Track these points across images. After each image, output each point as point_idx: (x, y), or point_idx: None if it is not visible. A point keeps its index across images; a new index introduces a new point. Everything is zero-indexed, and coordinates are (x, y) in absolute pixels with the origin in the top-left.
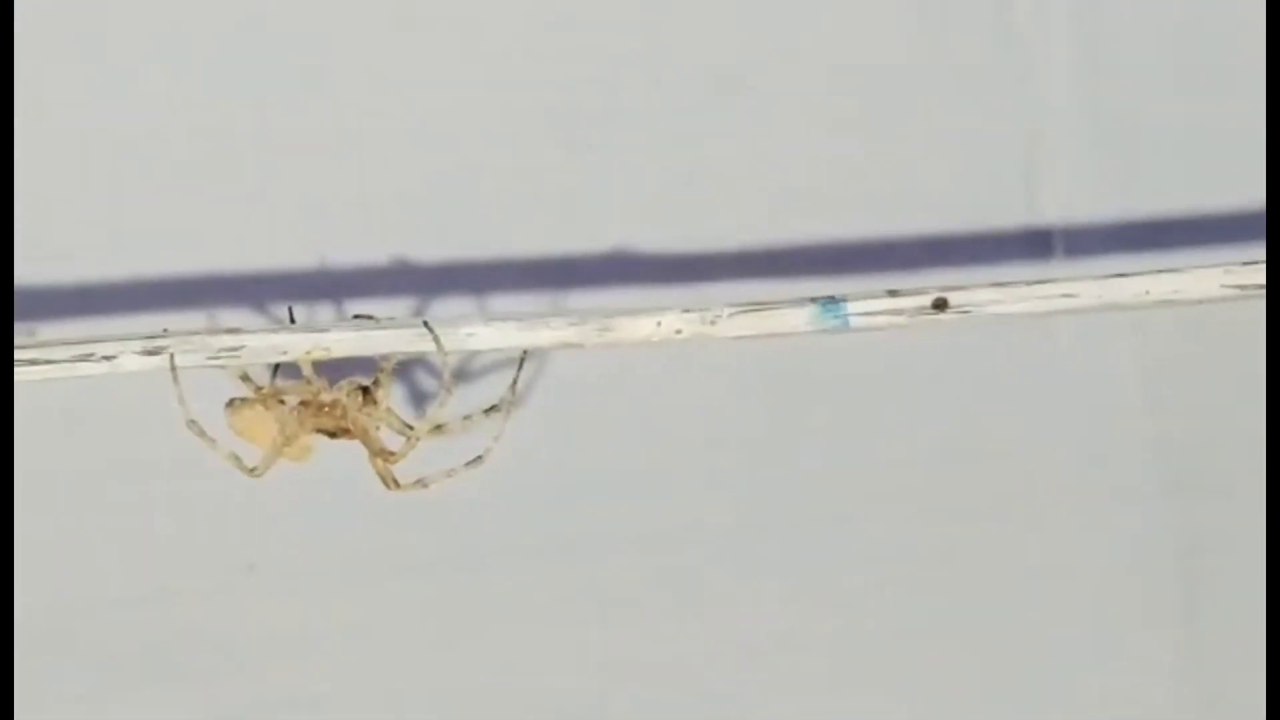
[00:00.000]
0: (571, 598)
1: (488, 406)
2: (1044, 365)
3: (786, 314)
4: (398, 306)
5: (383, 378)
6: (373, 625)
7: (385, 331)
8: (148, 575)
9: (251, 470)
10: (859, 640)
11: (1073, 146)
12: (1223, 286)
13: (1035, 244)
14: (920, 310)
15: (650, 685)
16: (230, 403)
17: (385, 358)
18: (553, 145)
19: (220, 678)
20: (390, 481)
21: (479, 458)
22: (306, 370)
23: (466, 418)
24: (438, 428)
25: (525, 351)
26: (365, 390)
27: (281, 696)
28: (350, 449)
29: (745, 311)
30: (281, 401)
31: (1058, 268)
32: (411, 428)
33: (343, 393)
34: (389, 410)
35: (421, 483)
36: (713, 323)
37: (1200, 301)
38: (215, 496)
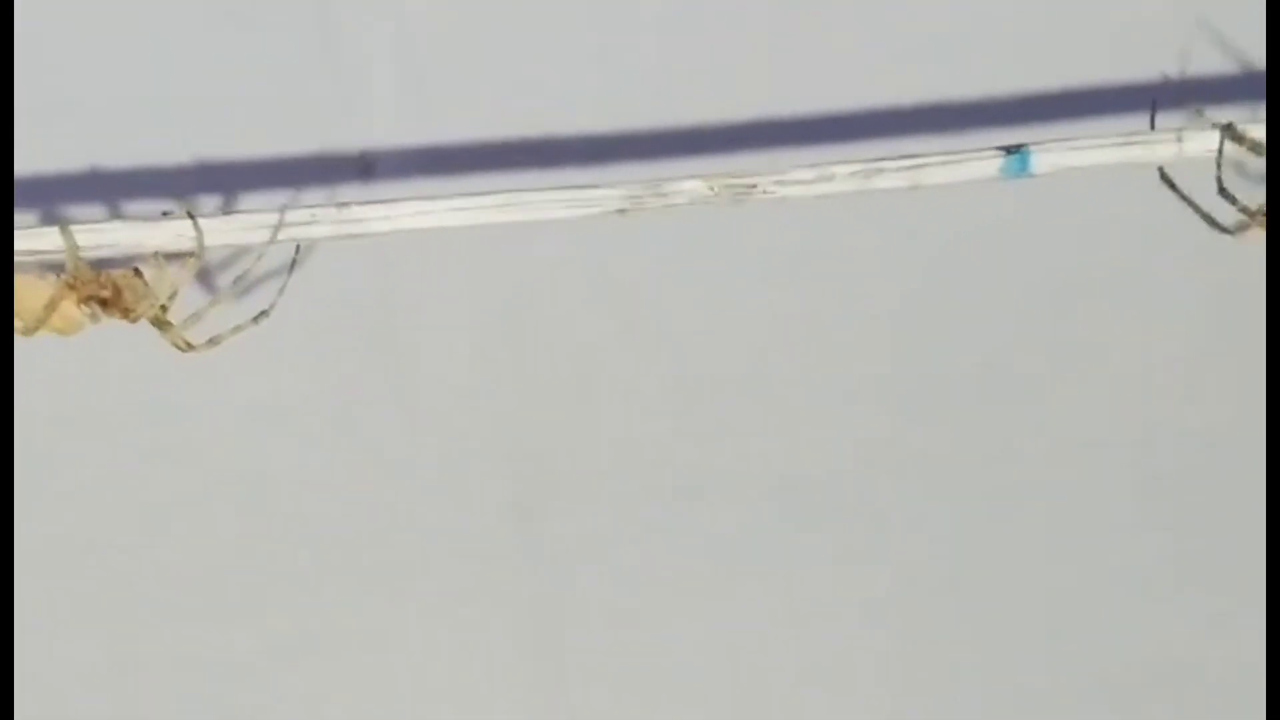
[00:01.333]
0: None
1: (256, 314)
2: None
3: None
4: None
5: (152, 259)
6: None
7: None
8: None
9: (21, 330)
10: None
11: None
12: None
13: None
14: None
15: None
16: None
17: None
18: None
19: None
20: (183, 344)
21: (264, 312)
22: (71, 261)
23: (236, 328)
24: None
25: (299, 247)
26: (136, 270)
27: None
28: None
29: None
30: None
31: None
32: (165, 308)
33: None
34: (152, 288)
35: (214, 341)
36: None
37: None
38: None
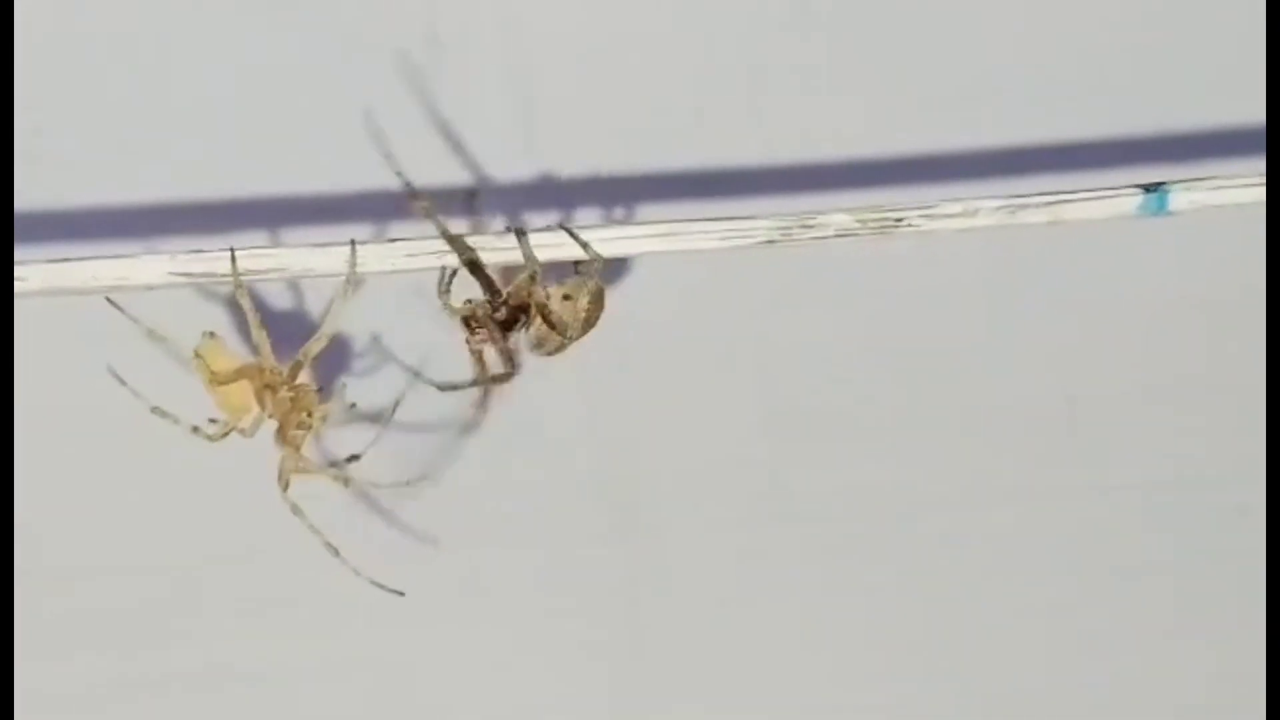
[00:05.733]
0: None
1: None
2: None
3: None
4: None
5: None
6: None
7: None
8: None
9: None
10: None
11: None
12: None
13: None
14: None
15: None
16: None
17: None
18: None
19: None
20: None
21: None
22: (264, 349)
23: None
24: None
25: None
26: (320, 390)
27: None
28: None
29: None
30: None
31: None
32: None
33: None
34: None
35: (302, 469)
36: None
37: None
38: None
